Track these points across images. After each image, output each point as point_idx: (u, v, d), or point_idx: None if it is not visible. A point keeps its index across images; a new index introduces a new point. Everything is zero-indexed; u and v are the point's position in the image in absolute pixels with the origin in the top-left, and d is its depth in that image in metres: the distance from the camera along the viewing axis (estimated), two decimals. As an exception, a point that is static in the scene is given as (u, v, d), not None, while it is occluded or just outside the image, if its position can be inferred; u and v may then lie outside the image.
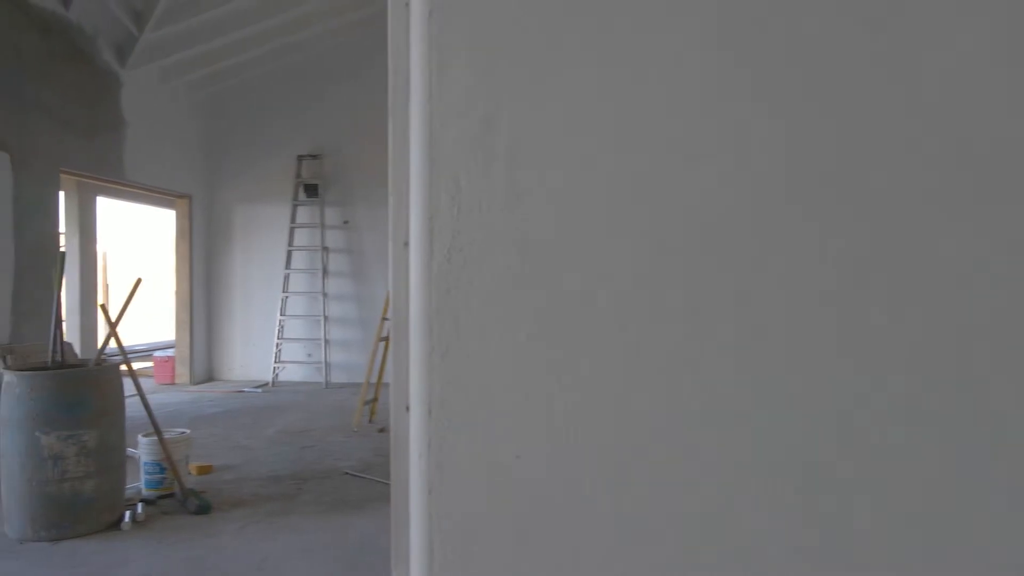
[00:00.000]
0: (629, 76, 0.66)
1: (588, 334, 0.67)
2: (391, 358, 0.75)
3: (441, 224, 0.68)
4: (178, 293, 9.78)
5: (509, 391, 0.68)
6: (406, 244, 0.71)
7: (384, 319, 7.12)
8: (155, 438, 4.62)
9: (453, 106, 0.67)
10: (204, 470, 5.25)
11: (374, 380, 7.13)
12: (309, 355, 10.01)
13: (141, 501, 4.46)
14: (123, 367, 4.51)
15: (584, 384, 0.67)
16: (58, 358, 4.37)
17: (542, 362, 0.68)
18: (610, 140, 0.67)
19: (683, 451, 0.66)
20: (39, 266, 6.57)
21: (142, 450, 4.69)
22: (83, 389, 4.03)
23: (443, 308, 0.68)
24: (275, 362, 9.84)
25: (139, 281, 4.79)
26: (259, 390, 9.33)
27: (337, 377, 9.91)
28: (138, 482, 4.72)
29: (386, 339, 7.13)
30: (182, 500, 4.51)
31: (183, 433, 4.92)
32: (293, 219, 10.03)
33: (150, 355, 10.35)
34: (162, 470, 4.65)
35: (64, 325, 9.64)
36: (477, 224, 0.68)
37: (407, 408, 0.72)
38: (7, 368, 4.30)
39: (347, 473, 5.29)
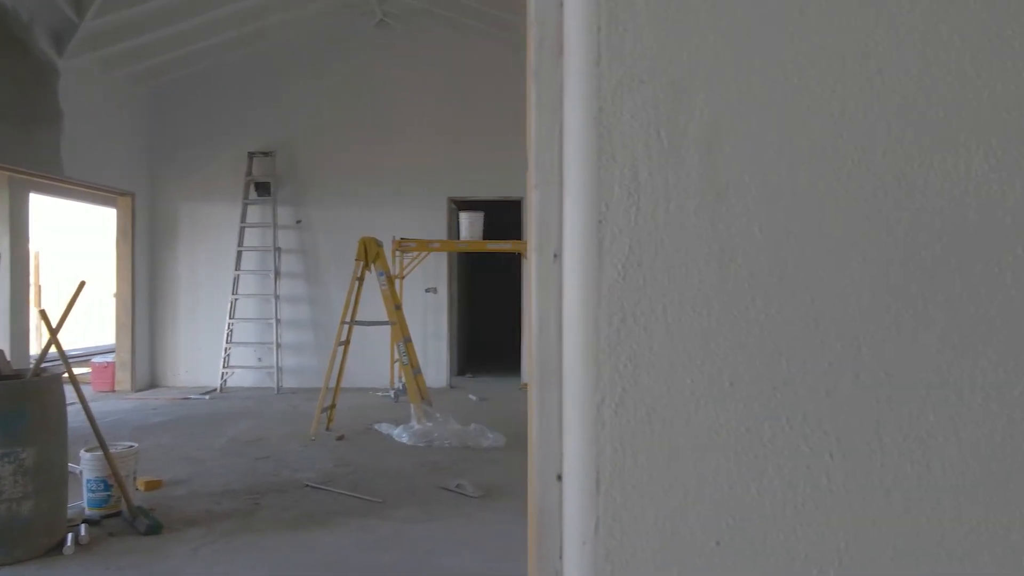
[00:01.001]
0: (884, 33, 0.50)
1: (815, 377, 0.51)
2: (535, 411, 0.57)
3: (613, 229, 0.51)
4: (119, 295, 9.27)
5: (707, 455, 0.52)
6: (556, 256, 0.54)
7: (344, 322, 6.85)
8: (99, 453, 4.28)
9: (631, 69, 0.50)
10: (153, 485, 4.91)
11: (332, 385, 6.84)
12: (260, 359, 9.62)
13: (84, 522, 4.11)
14: (64, 375, 4.16)
15: (809, 442, 0.51)
16: (-9, 368, 4.00)
17: (753, 417, 0.51)
18: (848, 119, 0.52)
19: (951, 535, 0.50)
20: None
21: (85, 466, 4.34)
22: (20, 402, 3.68)
23: (616, 343, 0.51)
24: (224, 367, 9.42)
25: (83, 284, 4.44)
26: (206, 397, 8.90)
27: (289, 382, 9.55)
28: (80, 501, 4.36)
29: (345, 343, 6.86)
30: (130, 519, 4.18)
31: (130, 447, 4.58)
32: (243, 218, 9.62)
33: (87, 360, 9.78)
34: (107, 487, 4.31)
35: (-6, 329, 9.06)
36: (663, 229, 0.51)
37: (559, 477, 0.54)
38: (-67, 379, 3.91)
39: (308, 485, 5.02)
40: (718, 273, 0.52)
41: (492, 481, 5.13)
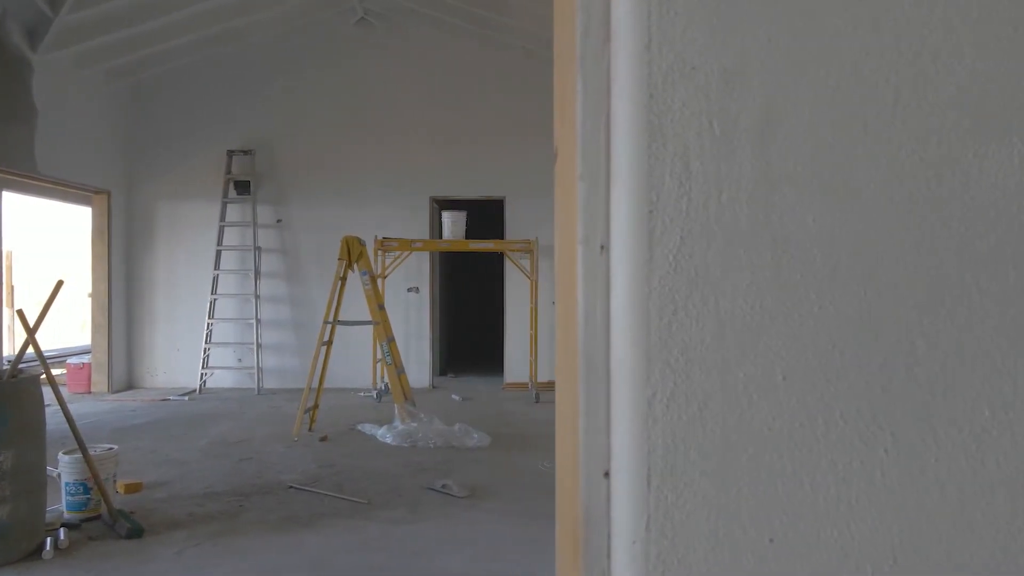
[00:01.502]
0: (939, 21, 0.49)
1: (869, 371, 0.50)
2: (580, 406, 0.55)
3: (664, 220, 0.50)
4: (95, 295, 9.11)
5: (760, 451, 0.51)
6: (603, 248, 0.52)
7: (327, 322, 6.79)
8: (78, 455, 4.20)
9: (681, 55, 0.49)
10: (133, 488, 4.83)
11: (315, 385, 6.78)
12: (240, 360, 9.51)
13: (63, 526, 4.03)
14: (42, 376, 4.07)
15: (864, 437, 0.50)
16: (-34, 369, 3.91)
17: (807, 412, 0.50)
18: (903, 107, 0.51)
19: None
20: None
21: (63, 469, 4.25)
22: (-2, 404, 3.60)
23: (667, 337, 0.50)
24: (203, 368, 9.30)
25: (60, 283, 4.36)
26: (186, 398, 8.78)
27: (269, 383, 9.45)
28: (59, 504, 4.28)
29: (328, 343, 6.80)
30: (110, 523, 4.11)
31: (110, 449, 4.49)
32: (223, 217, 9.51)
33: (63, 361, 9.60)
34: (87, 490, 4.23)
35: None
36: (715, 220, 0.50)
37: (606, 474, 0.53)
38: (-95, 381, 3.80)
39: (292, 487, 4.96)
40: (771, 265, 0.51)
41: (478, 481, 5.12)
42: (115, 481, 4.54)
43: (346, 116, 9.63)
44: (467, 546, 4.00)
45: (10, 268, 11.32)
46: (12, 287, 11.34)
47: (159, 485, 5.01)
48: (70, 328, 11.24)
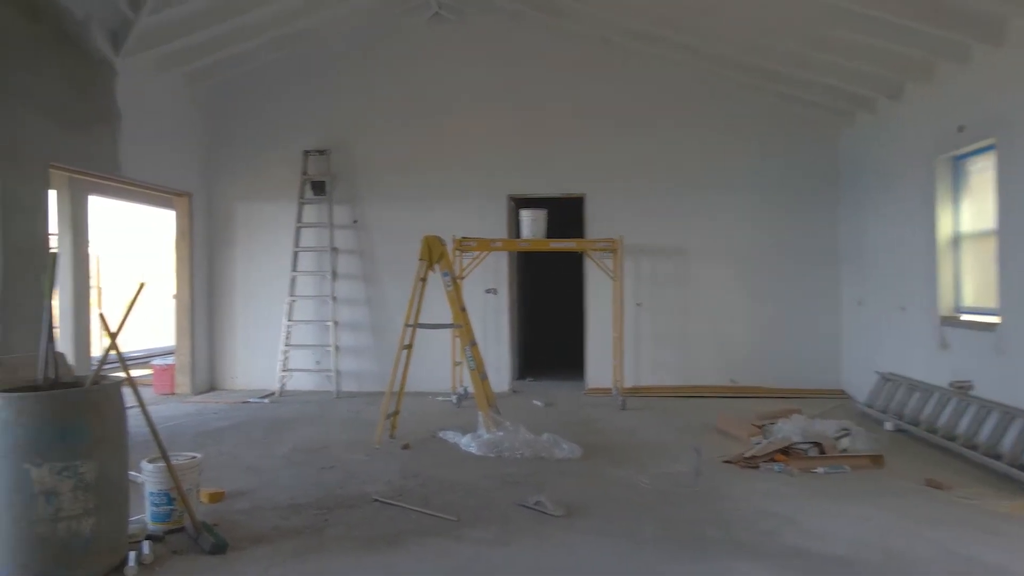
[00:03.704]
0: None
1: None
2: None
3: None
4: (179, 297, 9.17)
5: None
6: None
7: (408, 325, 6.54)
8: (162, 464, 4.03)
9: None
10: (216, 497, 4.66)
11: (396, 390, 6.53)
12: (318, 362, 9.42)
13: (147, 538, 3.87)
14: (124, 381, 3.91)
15: None
16: (51, 375, 3.77)
17: None
18: None
19: None
20: (28, 270, 5.96)
21: (147, 478, 4.10)
22: (80, 413, 3.43)
23: None
24: (282, 370, 9.24)
25: (142, 286, 4.21)
26: (266, 400, 8.72)
27: (348, 386, 9.32)
28: (142, 515, 4.13)
29: (408, 347, 6.55)
30: (194, 536, 3.92)
31: (193, 458, 4.33)
32: (299, 218, 9.43)
33: (148, 363, 9.73)
34: (170, 501, 4.06)
35: (57, 332, 9.06)
36: None
37: None
38: (-9, 386, 3.69)
39: (377, 500, 4.70)
40: None
41: (572, 497, 4.75)
42: (198, 490, 4.38)
43: (420, 113, 9.43)
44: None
45: (99, 270, 11.61)
46: (101, 289, 11.63)
47: (241, 494, 4.83)
48: (157, 329, 11.44)
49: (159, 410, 7.97)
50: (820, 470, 5.50)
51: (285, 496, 4.81)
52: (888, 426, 6.99)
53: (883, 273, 7.97)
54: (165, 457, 3.98)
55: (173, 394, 8.99)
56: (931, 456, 5.97)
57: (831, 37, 6.92)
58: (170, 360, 9.30)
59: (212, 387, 9.48)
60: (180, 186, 9.01)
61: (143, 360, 9.97)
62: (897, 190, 7.58)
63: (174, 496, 4.04)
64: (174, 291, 9.21)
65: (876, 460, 5.71)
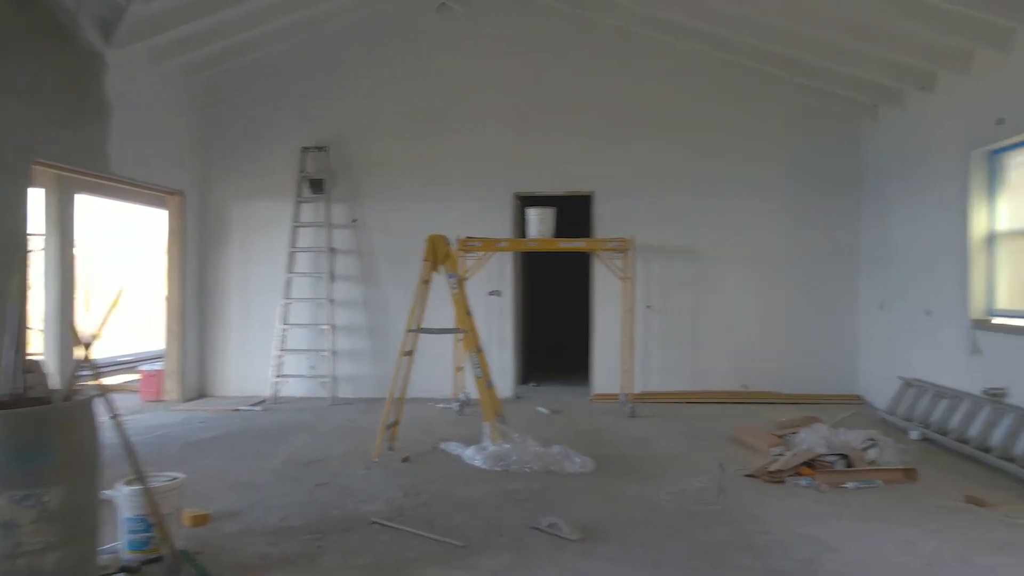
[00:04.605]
0: None
1: None
2: None
3: None
4: (169, 300, 8.78)
5: None
6: None
7: (410, 330, 6.17)
8: (139, 487, 3.66)
9: None
10: (200, 520, 4.29)
11: (397, 397, 6.16)
12: (313, 368, 9.04)
13: (122, 570, 3.50)
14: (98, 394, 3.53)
15: None
16: (18, 389, 3.39)
17: None
18: None
19: None
20: (6, 272, 5.58)
21: (123, 503, 3.72)
22: (44, 433, 3.06)
23: None
24: (275, 376, 8.86)
25: (120, 292, 3.84)
26: (258, 408, 8.34)
27: (344, 392, 8.95)
28: (117, 542, 3.75)
29: (410, 353, 6.18)
30: (173, 568, 3.55)
31: (174, 479, 3.95)
32: (296, 218, 9.06)
33: (136, 368, 9.34)
34: (148, 527, 3.68)
35: (42, 337, 8.67)
36: None
37: None
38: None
39: (375, 522, 4.33)
40: None
41: (588, 517, 4.38)
42: (181, 513, 4.01)
43: (424, 109, 9.06)
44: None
45: (87, 272, 11.22)
46: (88, 292, 11.23)
47: (229, 516, 4.45)
48: (147, 332, 11.04)
49: (145, 419, 7.60)
50: (851, 485, 5.14)
51: (276, 517, 4.43)
52: (914, 435, 6.63)
53: (908, 274, 7.61)
54: (142, 479, 3.61)
55: (161, 401, 8.60)
56: (964, 468, 5.61)
57: (868, 22, 6.54)
58: (158, 364, 8.91)
59: (202, 393, 9.10)
60: (172, 184, 8.63)
61: (131, 365, 9.58)
62: (925, 187, 7.22)
63: (152, 521, 3.66)
64: (165, 293, 8.83)
65: (909, 474, 5.35)
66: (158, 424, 7.35)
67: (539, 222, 8.25)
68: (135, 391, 8.79)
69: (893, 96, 7.73)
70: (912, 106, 7.53)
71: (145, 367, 9.02)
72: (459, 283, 6.33)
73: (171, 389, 8.67)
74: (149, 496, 3.59)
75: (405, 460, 5.83)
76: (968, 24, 5.80)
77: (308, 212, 9.13)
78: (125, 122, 7.35)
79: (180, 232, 8.80)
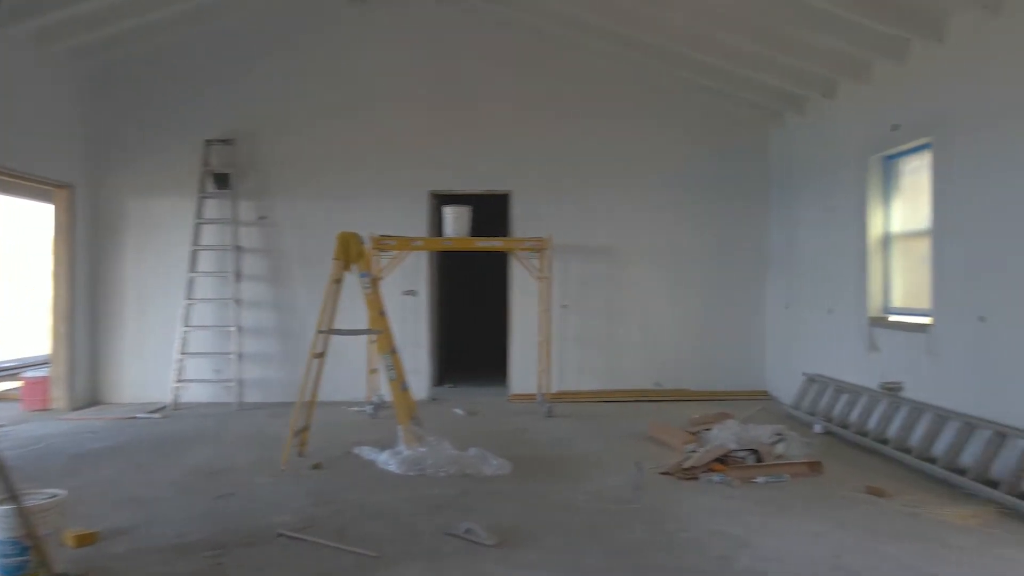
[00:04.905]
0: None
1: None
2: None
3: None
4: (55, 301, 8.14)
5: None
6: None
7: (320, 331, 5.91)
8: (12, 507, 3.30)
9: None
10: (85, 540, 3.93)
11: (307, 400, 5.89)
12: (217, 372, 8.59)
13: (-9, 600, 3.15)
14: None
15: None
16: None
17: None
18: None
19: None
20: None
21: (-7, 523, 3.36)
22: None
23: None
24: (176, 381, 8.37)
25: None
26: (156, 416, 7.85)
27: (252, 396, 8.54)
28: (-12, 567, 3.39)
29: (321, 355, 5.92)
30: (53, 593, 3.22)
31: (54, 496, 3.60)
32: (199, 214, 8.58)
33: (18, 374, 8.63)
34: (23, 550, 3.33)
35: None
36: None
37: None
38: None
39: (282, 534, 4.09)
40: None
41: (506, 521, 4.29)
42: (62, 533, 3.65)
43: (337, 104, 8.76)
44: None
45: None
46: (-35, 292, 10.30)
47: (118, 534, 4.10)
48: (33, 336, 10.22)
49: (26, 429, 7.01)
50: (761, 479, 5.26)
51: (172, 533, 4.12)
52: (817, 428, 6.88)
53: (812, 274, 7.91)
54: (15, 497, 3.26)
55: (47, 410, 7.96)
56: (864, 460, 5.84)
57: (774, 30, 6.71)
58: (45, 371, 8.26)
59: (94, 401, 8.49)
60: (60, 176, 8.01)
61: (13, 371, 8.84)
62: (827, 190, 7.52)
63: (28, 544, 3.32)
64: (51, 293, 8.18)
65: (814, 467, 5.52)
66: (42, 435, 6.78)
67: (455, 221, 8.12)
68: (16, 399, 8.10)
69: (798, 103, 8.02)
70: (816, 113, 7.83)
71: (29, 374, 8.33)
72: (373, 283, 6.12)
73: (59, 397, 8.05)
74: (23, 516, 3.24)
75: (316, 467, 5.58)
76: (868, 35, 6.05)
77: (212, 208, 8.67)
78: (6, 108, 6.78)
79: (69, 228, 8.18)
